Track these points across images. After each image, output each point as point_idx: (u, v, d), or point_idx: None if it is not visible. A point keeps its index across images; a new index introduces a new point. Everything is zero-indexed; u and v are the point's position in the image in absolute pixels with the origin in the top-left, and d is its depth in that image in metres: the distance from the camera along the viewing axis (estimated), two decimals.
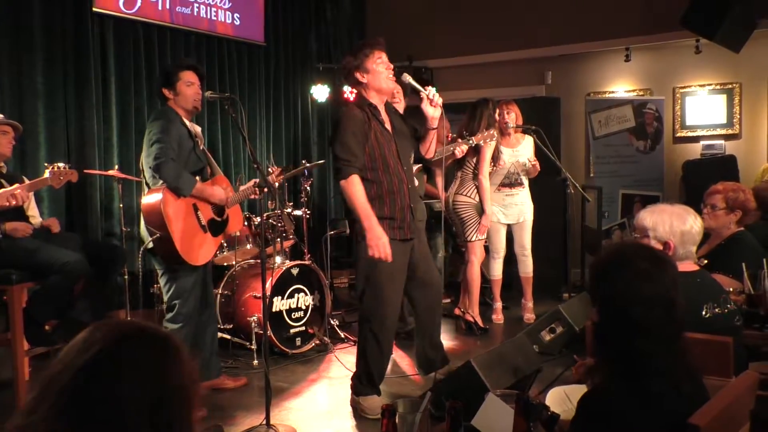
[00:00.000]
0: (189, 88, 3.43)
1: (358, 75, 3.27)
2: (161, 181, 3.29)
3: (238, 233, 4.46)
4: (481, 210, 4.76)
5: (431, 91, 3.23)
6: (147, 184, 3.43)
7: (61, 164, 3.53)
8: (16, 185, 3.54)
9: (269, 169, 4.17)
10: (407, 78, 3.29)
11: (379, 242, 3.11)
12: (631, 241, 2.17)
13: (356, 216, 3.17)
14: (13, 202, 3.36)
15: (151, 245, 3.36)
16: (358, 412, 3.34)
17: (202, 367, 3.49)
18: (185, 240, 3.30)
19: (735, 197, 3.14)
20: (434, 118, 3.26)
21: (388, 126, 3.31)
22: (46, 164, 3.63)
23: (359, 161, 3.17)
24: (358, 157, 3.17)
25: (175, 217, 3.28)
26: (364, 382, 3.36)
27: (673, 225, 2.30)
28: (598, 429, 1.50)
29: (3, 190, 3.50)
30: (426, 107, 3.24)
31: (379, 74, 3.24)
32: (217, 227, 3.53)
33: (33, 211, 3.80)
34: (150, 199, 3.33)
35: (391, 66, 3.29)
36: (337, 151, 3.19)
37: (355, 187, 3.14)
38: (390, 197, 3.24)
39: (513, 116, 4.99)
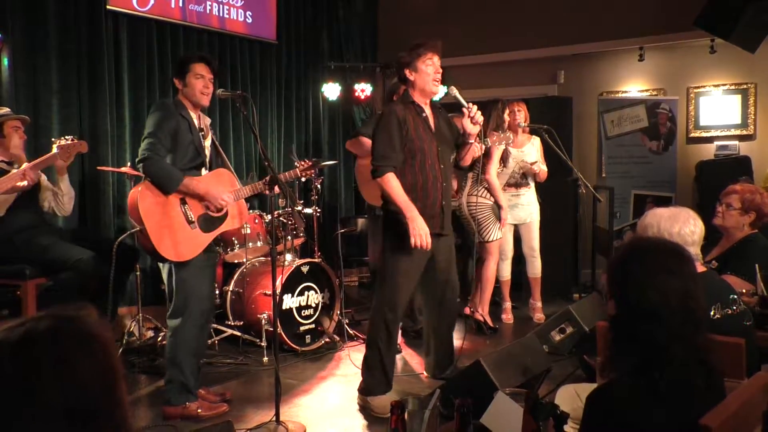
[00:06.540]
0: (198, 80, 3.31)
1: (407, 72, 3.36)
2: None
3: (248, 230, 4.48)
4: (496, 209, 4.75)
5: (474, 109, 3.33)
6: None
7: (68, 137, 3.46)
8: (24, 165, 3.47)
9: (298, 163, 3.82)
10: (454, 91, 3.38)
11: (423, 232, 3.18)
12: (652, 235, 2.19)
13: (396, 209, 3.24)
14: (24, 183, 3.31)
15: (130, 239, 3.25)
16: (369, 412, 3.34)
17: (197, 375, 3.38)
18: (164, 234, 3.18)
19: (751, 199, 3.11)
20: (472, 134, 3.38)
21: (431, 124, 3.39)
22: (53, 139, 3.57)
23: (395, 159, 3.26)
24: (393, 156, 3.26)
25: (151, 212, 3.18)
26: (377, 376, 3.36)
27: (660, 227, 2.29)
28: (607, 425, 1.50)
29: (11, 172, 3.48)
30: (466, 123, 3.35)
31: (426, 75, 3.32)
32: (210, 222, 3.34)
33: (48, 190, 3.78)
34: (132, 193, 3.28)
35: (440, 71, 3.37)
36: (373, 151, 3.30)
37: (391, 183, 3.23)
38: (423, 191, 3.33)
39: (523, 115, 4.96)
